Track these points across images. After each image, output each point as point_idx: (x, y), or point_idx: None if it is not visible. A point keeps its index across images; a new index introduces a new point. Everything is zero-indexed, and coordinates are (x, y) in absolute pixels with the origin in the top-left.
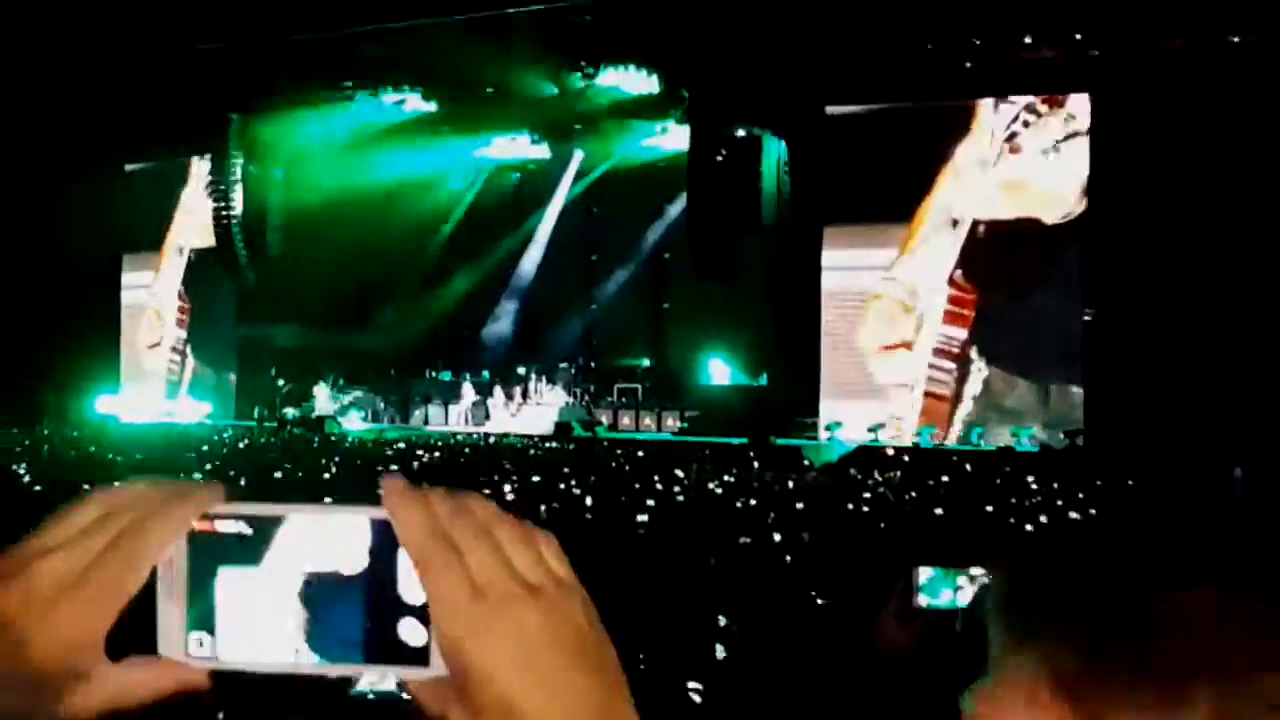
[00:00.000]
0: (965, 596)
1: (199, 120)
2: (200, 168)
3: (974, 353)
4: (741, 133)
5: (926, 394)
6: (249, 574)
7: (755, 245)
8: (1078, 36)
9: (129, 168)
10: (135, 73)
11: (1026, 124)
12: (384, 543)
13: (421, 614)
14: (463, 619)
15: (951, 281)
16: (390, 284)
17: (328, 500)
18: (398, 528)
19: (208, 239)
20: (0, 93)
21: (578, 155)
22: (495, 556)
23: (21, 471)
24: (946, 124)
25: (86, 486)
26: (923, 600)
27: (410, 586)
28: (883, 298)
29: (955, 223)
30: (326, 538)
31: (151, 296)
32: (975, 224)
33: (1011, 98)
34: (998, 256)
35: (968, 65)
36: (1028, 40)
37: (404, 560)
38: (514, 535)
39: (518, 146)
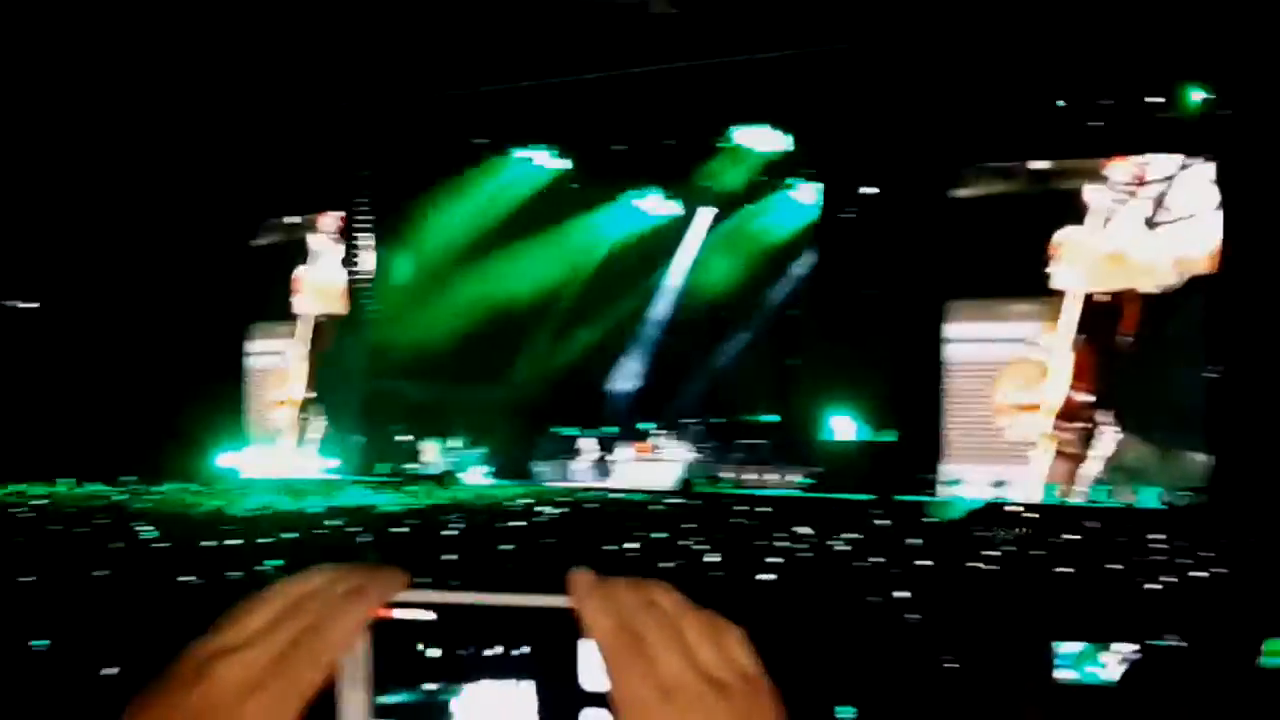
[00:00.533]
0: (1111, 673)
1: (331, 179)
2: (319, 241)
3: (1099, 415)
4: (873, 190)
5: (1058, 454)
6: (431, 662)
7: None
8: (1209, 96)
9: (255, 243)
10: (268, 134)
11: (1123, 201)
12: (569, 632)
13: (602, 703)
14: (651, 718)
15: (1074, 345)
16: (518, 338)
17: (449, 556)
18: (586, 622)
19: (333, 306)
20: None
21: (707, 212)
22: (683, 654)
23: (142, 525)
24: (1057, 204)
25: (208, 543)
26: (1066, 675)
27: (592, 676)
28: (1026, 361)
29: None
30: (512, 625)
31: (281, 359)
32: (1088, 295)
33: (1110, 177)
34: (1110, 324)
35: (1094, 124)
36: (1161, 100)
37: (586, 649)
38: (702, 629)
39: (649, 204)
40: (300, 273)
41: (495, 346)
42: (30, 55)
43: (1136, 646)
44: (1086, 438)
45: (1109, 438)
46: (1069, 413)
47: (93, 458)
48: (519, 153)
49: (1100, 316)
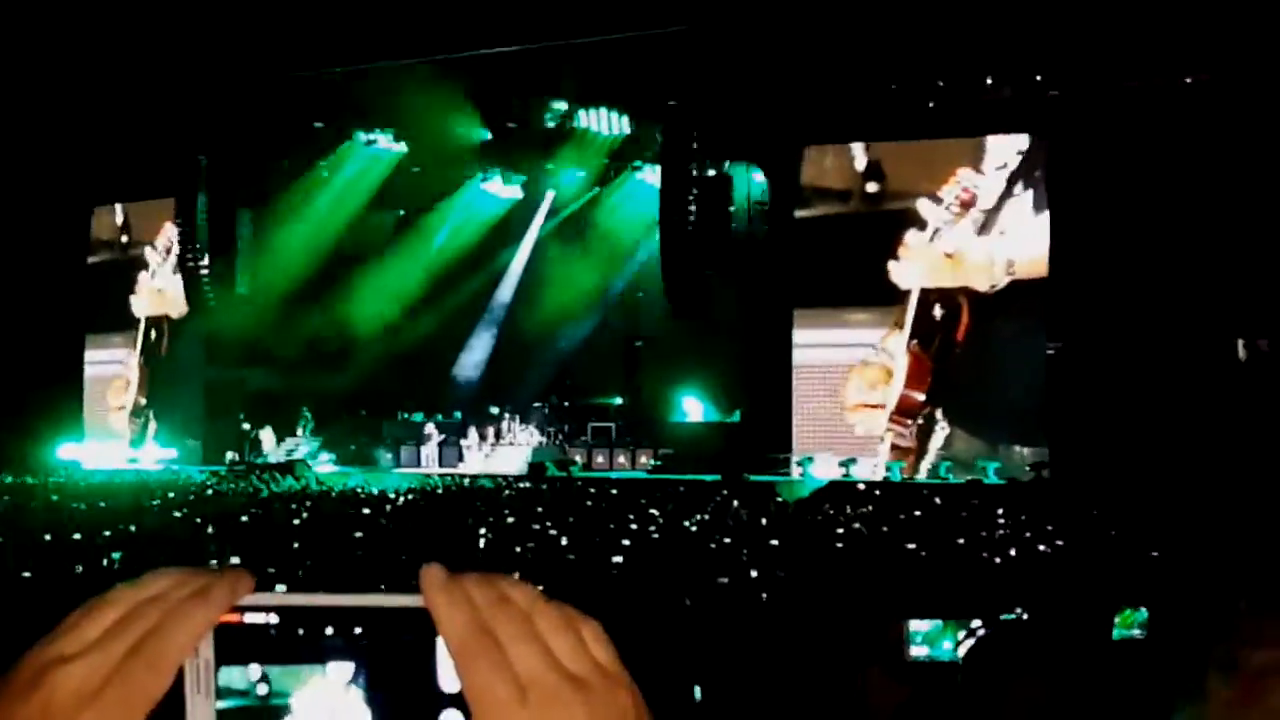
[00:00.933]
0: (964, 649)
1: (168, 164)
2: (154, 256)
3: (938, 414)
4: (712, 171)
5: (893, 447)
6: (280, 668)
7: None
8: (1038, 78)
9: (91, 260)
10: (103, 115)
11: (953, 219)
12: (422, 632)
13: (461, 704)
14: (508, 717)
15: (909, 348)
16: (360, 324)
17: (298, 545)
18: (438, 621)
19: (170, 309)
20: None
21: (549, 195)
22: (538, 649)
23: None
24: (897, 220)
25: (47, 537)
26: (919, 653)
27: (449, 676)
28: (870, 364)
29: (907, 293)
30: (361, 627)
31: (119, 367)
32: (924, 293)
33: (940, 196)
34: (946, 327)
35: (931, 105)
36: (989, 81)
37: (442, 649)
38: (556, 624)
39: (490, 186)
40: (140, 280)
41: (336, 332)
42: None
43: (982, 622)
44: (923, 433)
45: (940, 433)
46: (906, 410)
47: None
48: (362, 136)
49: (936, 320)
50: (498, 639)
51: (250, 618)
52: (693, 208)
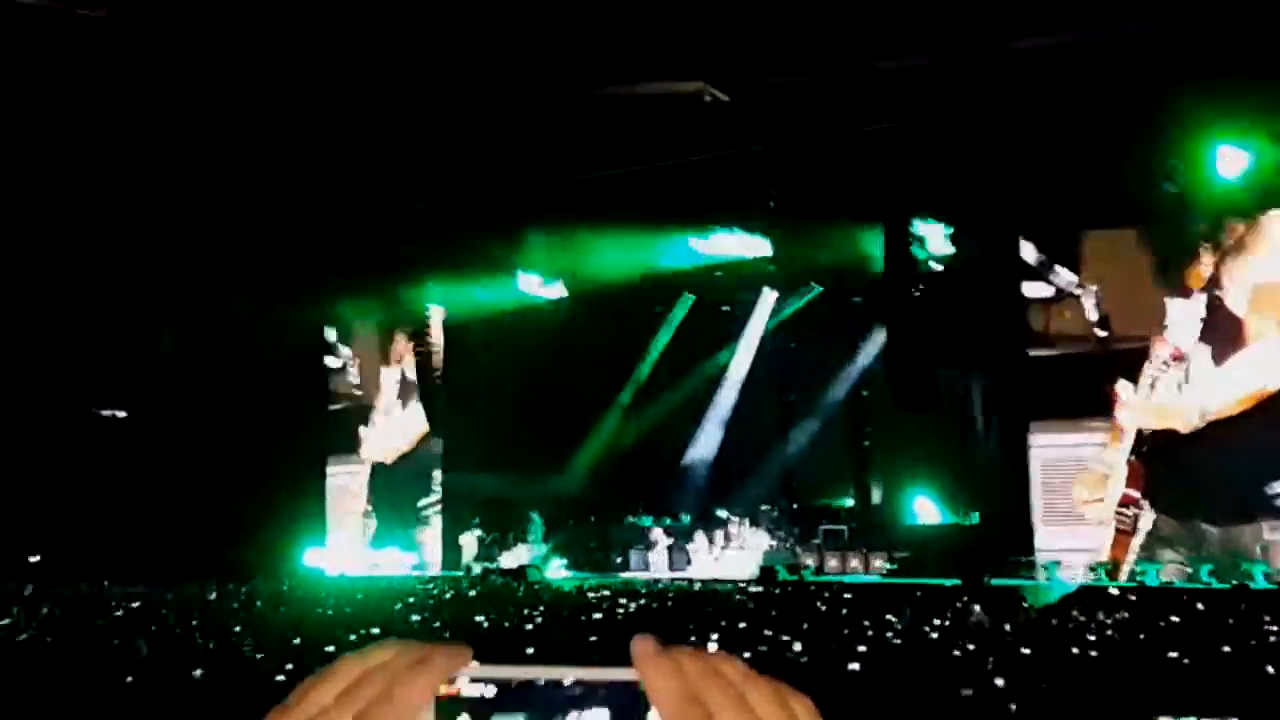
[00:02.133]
0: None
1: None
2: (382, 401)
3: (1145, 504)
4: (939, 266)
5: (1116, 530)
6: None
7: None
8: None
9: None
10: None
11: (1166, 366)
12: (633, 705)
13: None
14: None
15: (1125, 461)
16: (586, 423)
17: (532, 650)
18: (650, 692)
19: (396, 450)
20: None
21: (769, 292)
22: None
23: (236, 628)
24: (1121, 358)
25: (296, 641)
26: None
27: None
28: (1090, 472)
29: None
30: (576, 701)
31: (353, 480)
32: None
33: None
34: (1155, 445)
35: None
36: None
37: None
38: (767, 697)
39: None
40: (364, 433)
41: (562, 433)
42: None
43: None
44: (1135, 518)
45: (1148, 517)
46: (1124, 503)
47: (185, 562)
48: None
49: (1149, 441)
50: (709, 710)
51: (467, 690)
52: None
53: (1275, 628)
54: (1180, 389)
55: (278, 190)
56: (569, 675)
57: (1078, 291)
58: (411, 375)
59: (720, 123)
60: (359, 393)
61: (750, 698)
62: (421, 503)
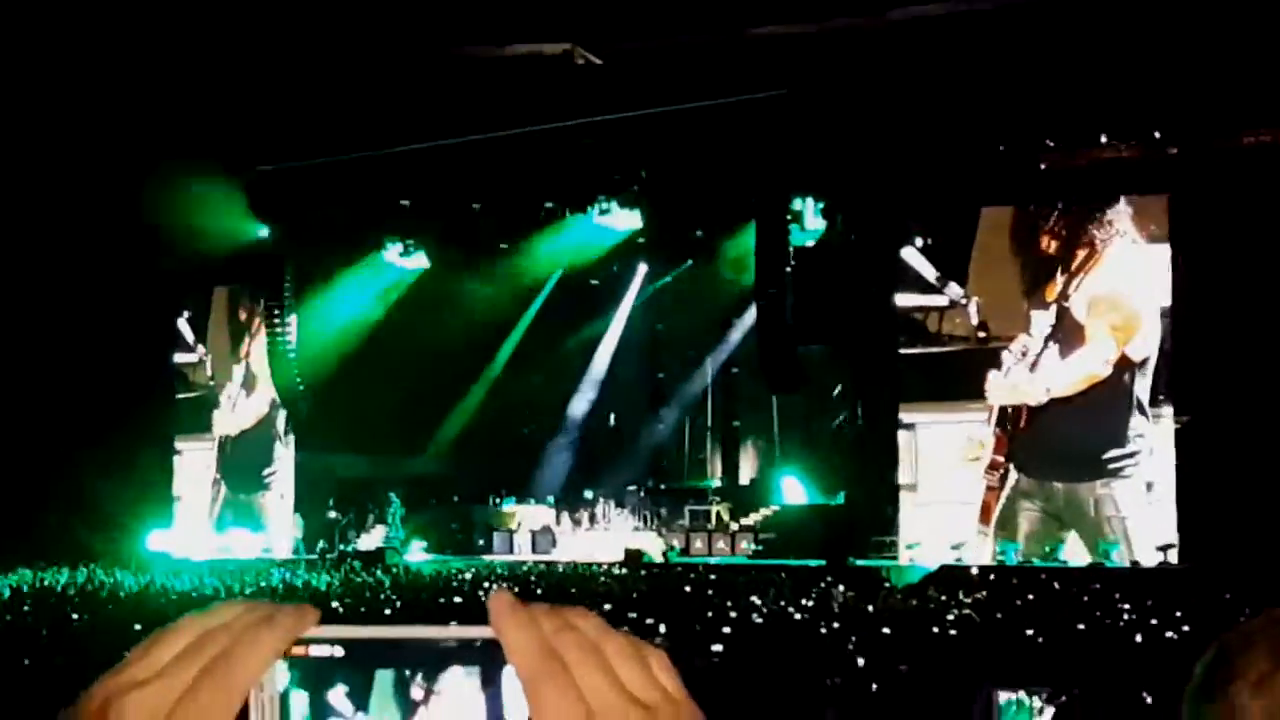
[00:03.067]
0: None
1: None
2: (229, 392)
3: (1009, 466)
4: (810, 241)
5: (987, 488)
6: (344, 700)
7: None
8: (1156, 135)
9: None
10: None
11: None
12: (490, 661)
13: None
14: None
15: (994, 433)
16: (447, 403)
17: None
18: (505, 647)
19: (248, 423)
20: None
21: (640, 266)
22: (607, 675)
23: (75, 615)
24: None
25: (138, 627)
26: None
27: (517, 707)
28: (971, 439)
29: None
30: (426, 659)
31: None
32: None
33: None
34: (1015, 418)
35: (1042, 167)
36: (1104, 139)
37: (510, 679)
38: (624, 651)
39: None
40: (215, 416)
41: (425, 413)
42: None
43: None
44: (1002, 477)
45: (1012, 477)
46: (992, 465)
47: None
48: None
49: (1008, 414)
50: (566, 665)
51: (315, 650)
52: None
53: (1127, 605)
54: (1031, 372)
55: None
56: (421, 633)
57: (964, 302)
58: (256, 368)
59: (591, 87)
60: (212, 383)
61: (607, 651)
62: (264, 472)
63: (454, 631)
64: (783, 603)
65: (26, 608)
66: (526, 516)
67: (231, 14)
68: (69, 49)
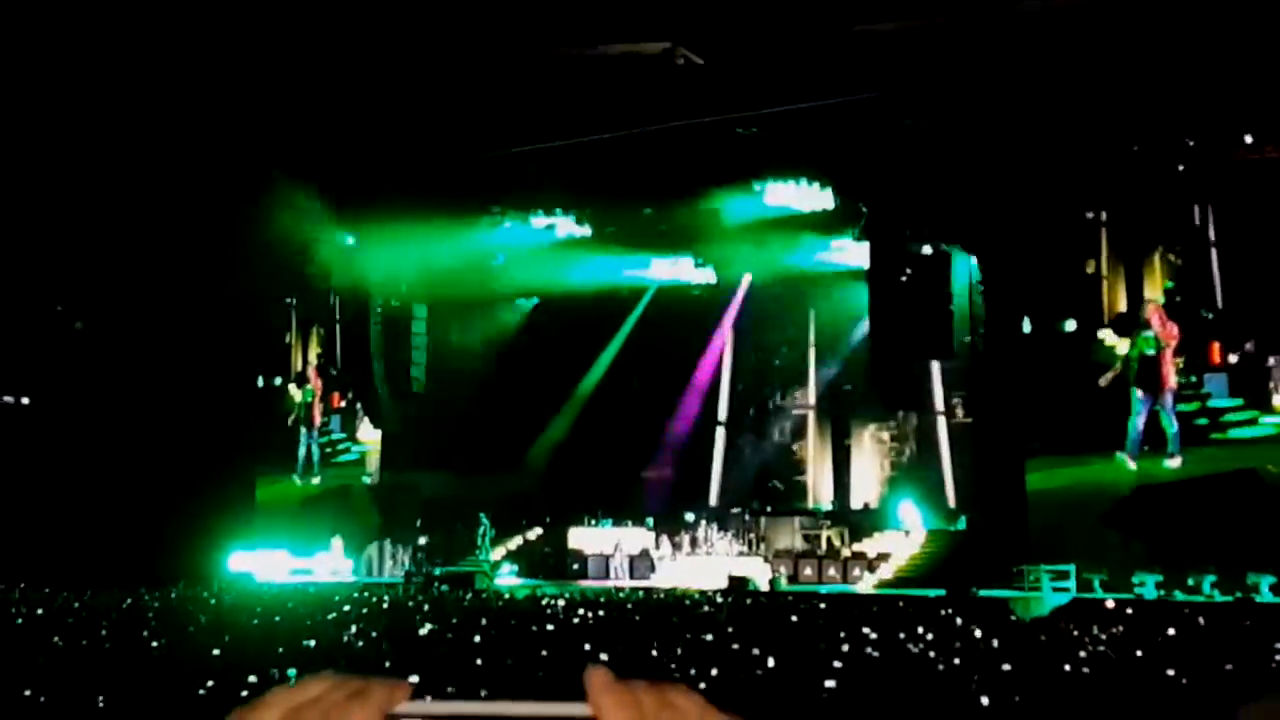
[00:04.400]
0: None
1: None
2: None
3: None
4: (928, 249)
5: None
6: None
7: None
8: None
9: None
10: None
11: None
12: None
13: None
14: None
15: None
16: (542, 419)
17: (480, 662)
18: None
19: None
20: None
21: (746, 278)
22: None
23: (152, 642)
24: None
25: (216, 652)
26: None
27: None
28: None
29: None
30: None
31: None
32: None
33: None
34: None
35: (1180, 169)
36: (1248, 140)
37: None
38: None
39: (679, 269)
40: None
41: (516, 433)
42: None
43: None
44: None
45: None
46: None
47: (101, 563)
48: (537, 219)
49: None
50: None
51: None
52: (906, 290)
53: None
54: None
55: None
56: (516, 710)
57: None
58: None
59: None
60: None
61: None
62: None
63: (551, 709)
64: (901, 635)
65: (103, 631)
66: (624, 540)
67: (334, 18)
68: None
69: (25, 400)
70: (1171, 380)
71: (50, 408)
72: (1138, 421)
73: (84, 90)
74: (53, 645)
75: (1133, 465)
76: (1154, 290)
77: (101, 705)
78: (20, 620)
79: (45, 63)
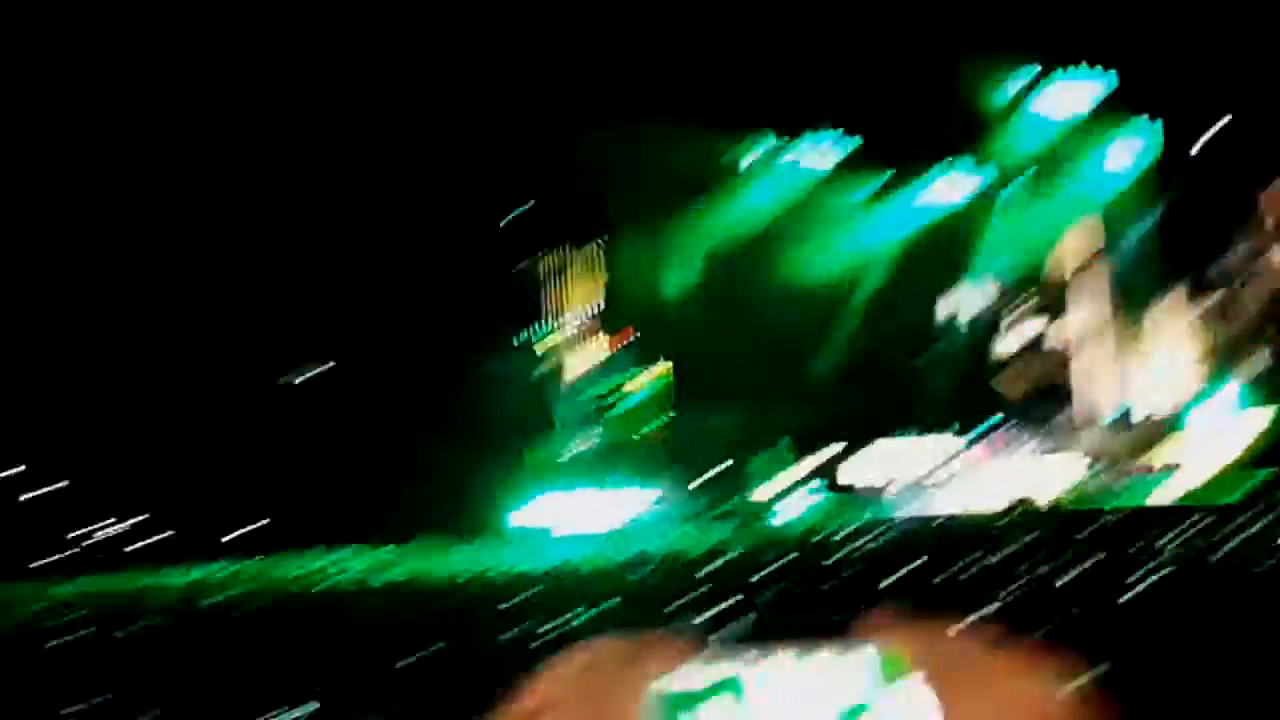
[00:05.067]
0: None
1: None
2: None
3: None
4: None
5: None
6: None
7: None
8: None
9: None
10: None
11: None
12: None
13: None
14: None
15: None
16: (817, 341)
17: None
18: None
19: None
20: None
21: (1019, 180)
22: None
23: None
24: None
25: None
26: None
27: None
28: None
29: None
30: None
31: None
32: None
33: None
34: None
35: None
36: None
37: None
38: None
39: (954, 184)
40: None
41: (802, 361)
42: None
43: None
44: None
45: None
46: None
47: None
48: (800, 145)
49: None
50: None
51: (686, 684)
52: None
53: None
54: None
55: None
56: (781, 656)
57: None
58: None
59: None
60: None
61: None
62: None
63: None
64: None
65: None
66: (926, 451)
67: None
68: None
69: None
70: None
71: (349, 380)
72: None
73: None
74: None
75: None
76: None
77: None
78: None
79: None
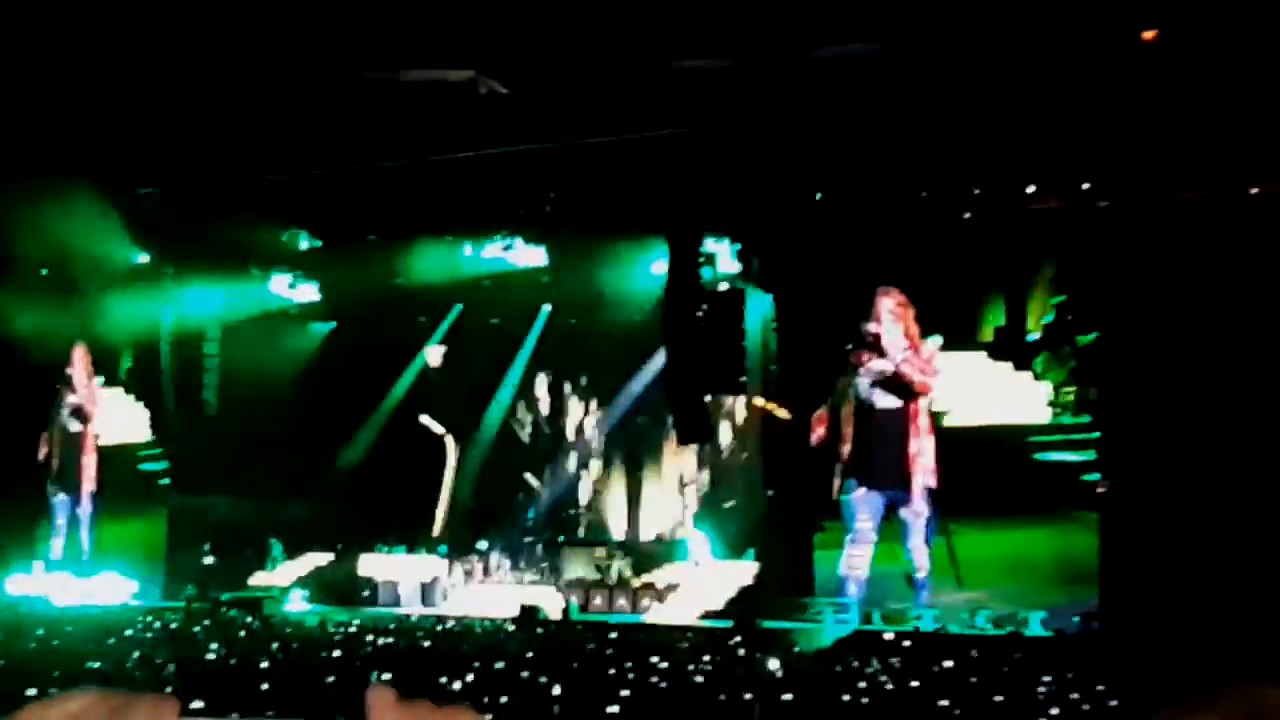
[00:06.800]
0: None
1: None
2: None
3: None
4: (724, 286)
5: None
6: None
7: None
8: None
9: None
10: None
11: None
12: None
13: None
14: None
15: None
16: (335, 446)
17: (266, 687)
18: None
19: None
20: None
21: (545, 307)
22: None
23: None
24: None
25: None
26: None
27: None
28: None
29: None
30: None
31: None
32: None
33: None
34: None
35: (966, 217)
36: (1031, 190)
37: None
38: None
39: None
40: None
41: (308, 457)
42: None
43: None
44: None
45: None
46: None
47: None
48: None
49: None
50: None
51: None
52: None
53: (1048, 678)
54: None
55: None
56: None
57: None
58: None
59: (496, 118)
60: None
61: None
62: None
63: None
64: (688, 665)
65: None
66: (415, 567)
67: (118, 33)
68: None
69: None
70: None
71: None
72: None
73: None
74: None
75: None
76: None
77: None
78: None
79: None
